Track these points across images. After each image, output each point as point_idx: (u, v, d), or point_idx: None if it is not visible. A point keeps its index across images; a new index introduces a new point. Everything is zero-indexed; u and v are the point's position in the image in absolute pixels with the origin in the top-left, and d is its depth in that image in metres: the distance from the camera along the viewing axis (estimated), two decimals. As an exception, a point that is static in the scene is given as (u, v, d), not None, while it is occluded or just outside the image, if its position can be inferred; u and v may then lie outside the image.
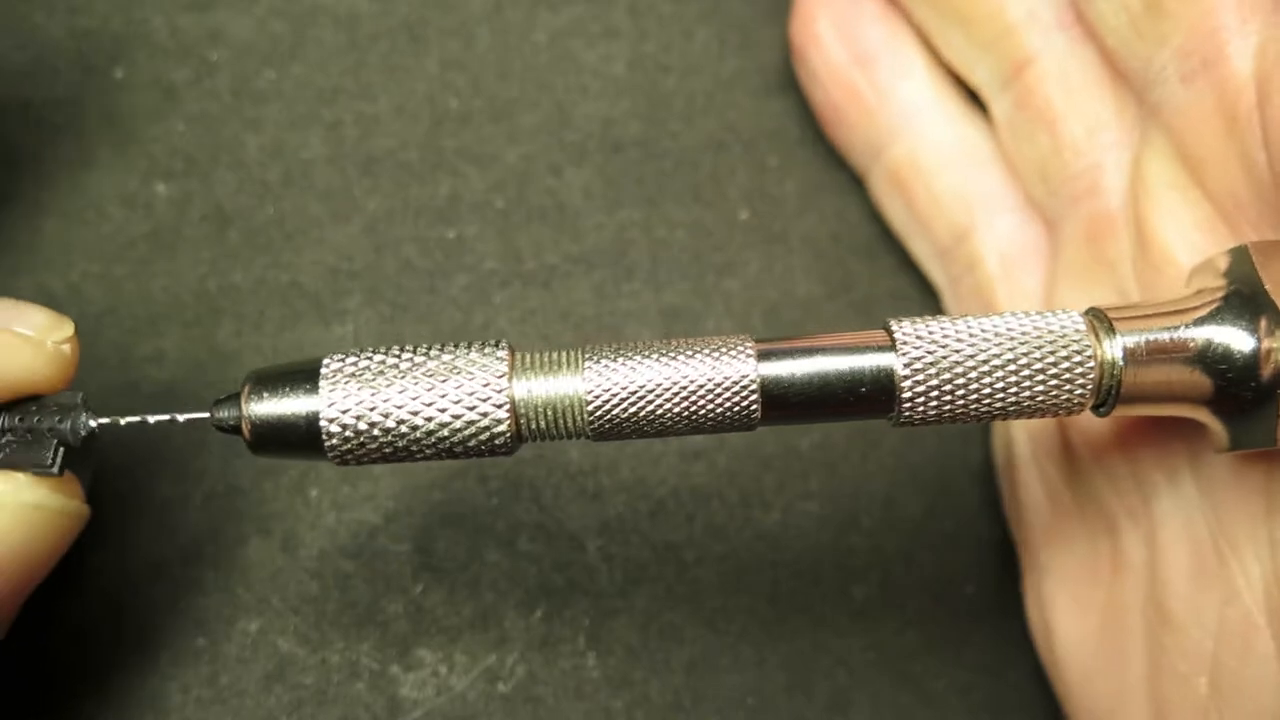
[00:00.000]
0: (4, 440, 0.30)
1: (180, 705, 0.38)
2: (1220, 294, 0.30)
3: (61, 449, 0.30)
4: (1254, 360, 0.29)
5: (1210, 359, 0.30)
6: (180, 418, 0.31)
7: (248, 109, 0.44)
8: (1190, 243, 0.33)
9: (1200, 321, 0.30)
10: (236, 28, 0.45)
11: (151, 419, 0.31)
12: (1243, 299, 0.29)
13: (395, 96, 0.45)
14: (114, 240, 0.42)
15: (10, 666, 0.37)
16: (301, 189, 0.44)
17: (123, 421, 0.31)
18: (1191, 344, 0.30)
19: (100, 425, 0.31)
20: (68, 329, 0.31)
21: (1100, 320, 0.31)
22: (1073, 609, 0.37)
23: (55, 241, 0.42)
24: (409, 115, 0.45)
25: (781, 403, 0.30)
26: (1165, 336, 0.30)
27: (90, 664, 0.38)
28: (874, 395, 0.30)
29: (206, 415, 0.30)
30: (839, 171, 0.45)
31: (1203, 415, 0.31)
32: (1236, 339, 0.29)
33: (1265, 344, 0.29)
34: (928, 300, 0.44)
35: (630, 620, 0.40)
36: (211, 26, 0.45)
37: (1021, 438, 0.40)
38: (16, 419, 0.30)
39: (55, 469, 0.30)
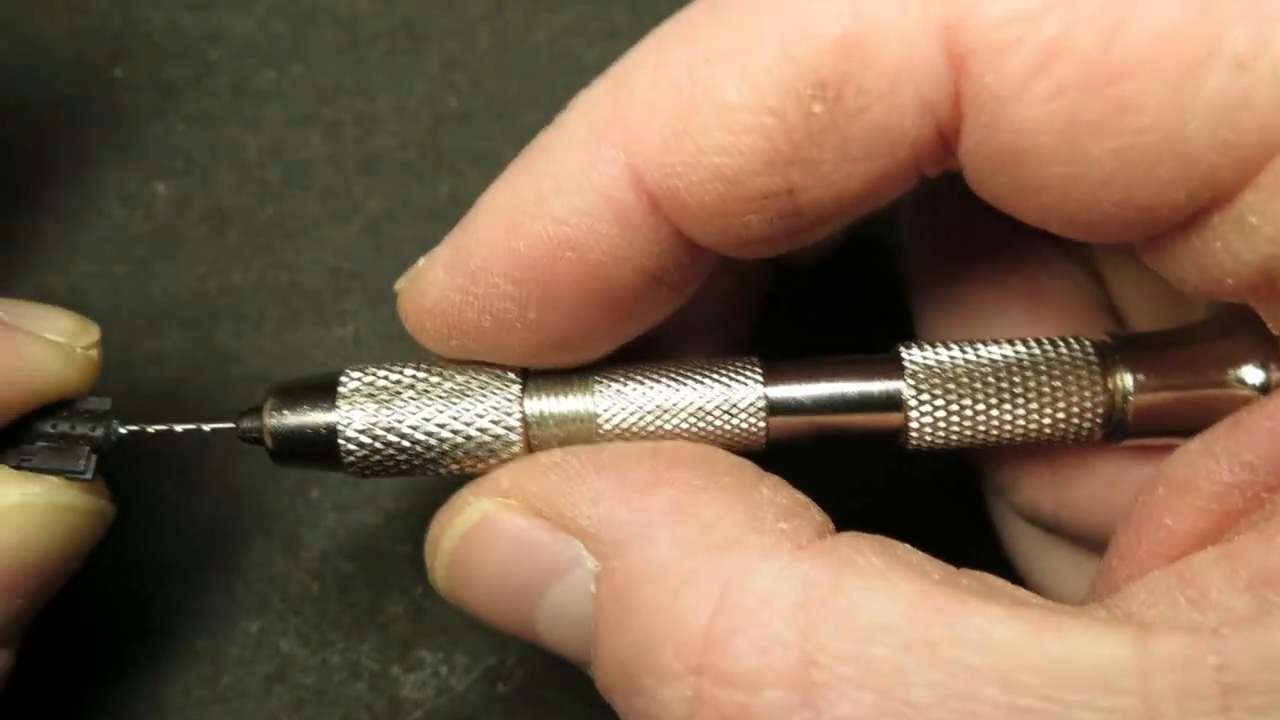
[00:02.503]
0: (36, 446, 0.31)
1: (181, 705, 0.38)
2: (1234, 325, 0.29)
3: (94, 456, 0.31)
4: (1264, 393, 0.28)
5: (1222, 390, 0.29)
6: (207, 427, 0.32)
7: (247, 108, 0.44)
8: None
9: (1212, 353, 0.29)
10: (236, 27, 0.45)
11: (179, 428, 0.32)
12: (1257, 330, 0.29)
13: (395, 96, 0.45)
14: (114, 240, 0.42)
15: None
16: (301, 189, 0.44)
17: (151, 429, 0.32)
18: (1203, 376, 0.29)
19: (129, 432, 0.31)
20: (94, 334, 0.32)
21: (1112, 350, 0.30)
22: None
23: (55, 241, 0.42)
24: (409, 115, 0.45)
25: (788, 426, 0.30)
26: (1178, 367, 0.29)
27: (91, 664, 0.38)
28: (881, 420, 0.30)
29: (232, 425, 0.31)
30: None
31: None
32: (1248, 372, 0.29)
33: (1276, 376, 0.28)
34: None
35: (631, 620, 0.40)
36: (211, 26, 0.45)
37: None
38: (49, 425, 0.31)
39: (89, 475, 0.31)
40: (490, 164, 0.44)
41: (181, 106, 0.44)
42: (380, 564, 0.39)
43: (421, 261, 0.30)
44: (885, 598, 0.25)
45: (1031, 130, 0.25)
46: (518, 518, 0.29)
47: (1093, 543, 0.34)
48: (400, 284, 0.31)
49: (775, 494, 0.28)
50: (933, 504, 0.41)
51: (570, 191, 0.27)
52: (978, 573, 0.26)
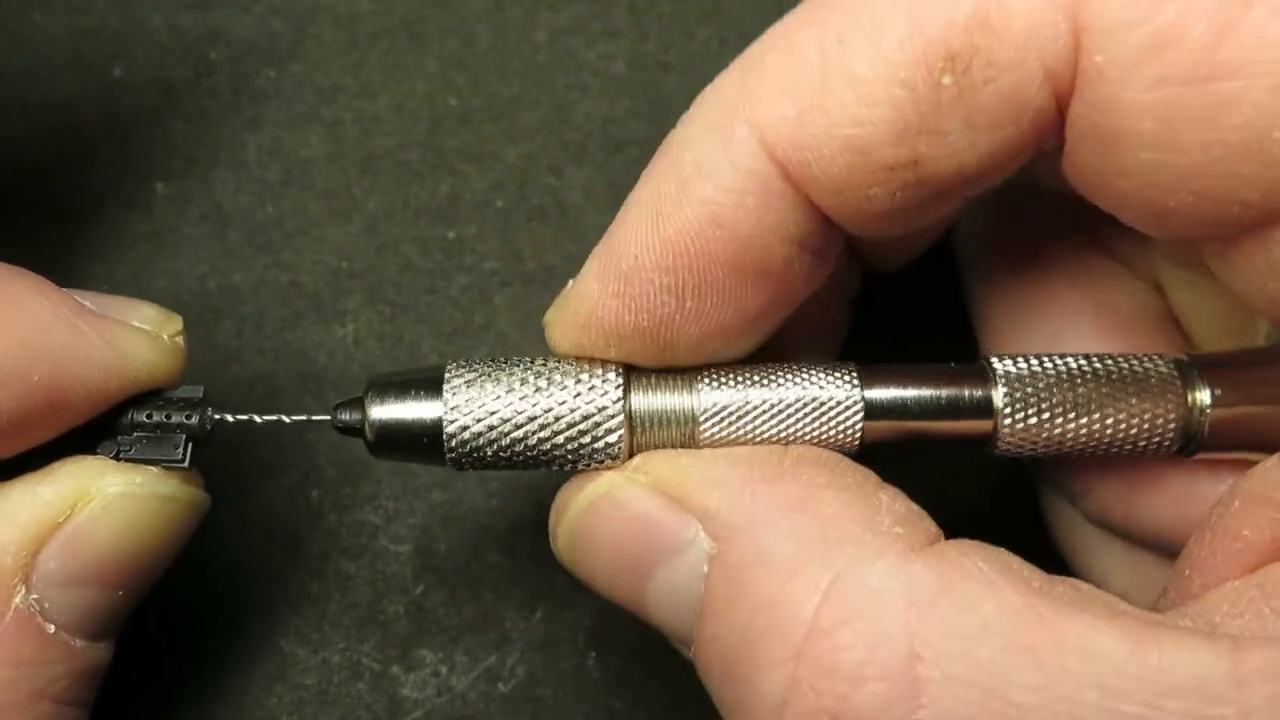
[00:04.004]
0: (134, 436, 0.31)
1: (183, 705, 0.38)
2: None
3: (190, 444, 0.31)
4: None
5: None
6: (306, 418, 0.32)
7: (247, 108, 0.44)
8: None
9: None
10: (236, 26, 0.45)
11: (288, 419, 0.32)
12: None
13: (395, 95, 0.45)
14: (114, 240, 0.42)
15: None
16: (301, 188, 0.44)
17: (259, 419, 0.32)
18: (1276, 394, 0.30)
19: (231, 420, 0.32)
20: (178, 323, 0.32)
21: (1190, 367, 0.31)
22: None
23: (55, 241, 0.42)
24: (409, 114, 0.45)
25: (882, 428, 0.31)
26: (1252, 386, 0.30)
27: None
28: (973, 425, 0.31)
29: (328, 418, 0.32)
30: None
31: None
32: None
33: None
34: (915, 300, 0.43)
35: (630, 620, 0.40)
36: (211, 25, 0.45)
37: None
38: (144, 415, 0.31)
39: (185, 463, 0.31)
40: (490, 164, 0.44)
41: (181, 106, 0.44)
42: (380, 564, 0.40)
43: (569, 284, 0.31)
44: (992, 602, 0.25)
45: (1131, 113, 0.26)
46: (643, 493, 0.29)
47: (1155, 547, 0.35)
48: (548, 316, 0.32)
49: (894, 501, 0.28)
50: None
51: (711, 172, 0.28)
52: (1072, 580, 0.27)
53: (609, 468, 0.31)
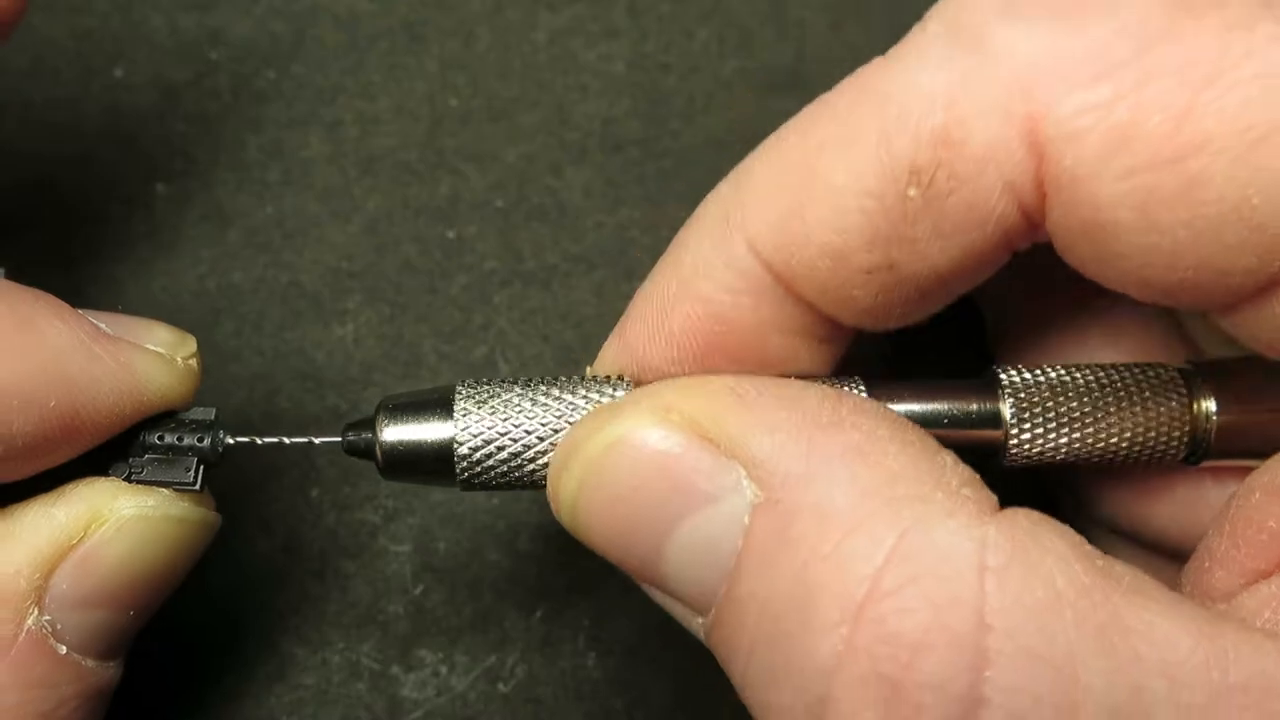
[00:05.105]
0: (145, 458, 0.31)
1: (182, 706, 0.38)
2: None
3: (202, 466, 0.31)
4: None
5: None
6: (316, 440, 0.32)
7: (247, 109, 0.44)
8: None
9: None
10: (236, 27, 0.45)
11: (288, 440, 0.32)
12: None
13: (395, 96, 0.45)
14: (114, 240, 0.42)
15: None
16: (301, 188, 0.44)
17: (260, 441, 0.32)
18: None
19: (238, 443, 0.32)
20: (192, 345, 0.32)
21: (1195, 375, 0.31)
22: None
23: (55, 242, 0.42)
24: (409, 114, 0.45)
25: None
26: (1257, 392, 0.31)
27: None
28: (982, 436, 0.31)
29: (339, 439, 0.31)
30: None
31: None
32: None
33: None
34: None
35: (630, 620, 0.40)
36: (211, 26, 0.45)
37: None
38: (156, 437, 0.31)
39: (197, 485, 0.31)
40: (490, 164, 0.44)
41: (182, 107, 0.44)
42: (380, 563, 0.40)
43: (586, 370, 0.33)
44: (1064, 576, 0.24)
45: (1109, 205, 0.26)
46: (677, 434, 0.27)
47: (1165, 551, 0.35)
48: None
49: (957, 464, 0.27)
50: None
51: (707, 273, 0.30)
52: (1127, 564, 0.26)
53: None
